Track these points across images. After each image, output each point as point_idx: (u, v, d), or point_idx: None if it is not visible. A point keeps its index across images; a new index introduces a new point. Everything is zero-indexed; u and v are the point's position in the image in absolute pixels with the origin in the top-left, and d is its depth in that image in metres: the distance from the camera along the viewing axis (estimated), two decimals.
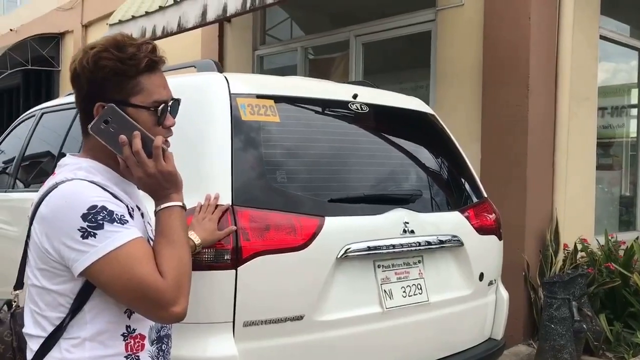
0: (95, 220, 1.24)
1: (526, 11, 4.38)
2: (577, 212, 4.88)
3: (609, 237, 4.92)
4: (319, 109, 2.62)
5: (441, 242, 2.63)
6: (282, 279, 2.17)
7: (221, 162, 2.18)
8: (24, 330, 1.39)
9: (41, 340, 1.32)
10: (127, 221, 1.29)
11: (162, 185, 1.35)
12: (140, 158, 1.32)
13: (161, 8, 5.83)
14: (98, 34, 9.40)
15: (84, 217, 1.24)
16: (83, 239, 1.23)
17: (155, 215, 1.36)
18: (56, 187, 1.30)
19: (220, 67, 2.59)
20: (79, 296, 1.30)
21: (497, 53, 4.55)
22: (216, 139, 2.23)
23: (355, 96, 2.69)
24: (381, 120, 2.81)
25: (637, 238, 5.14)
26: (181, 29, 5.69)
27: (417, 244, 2.53)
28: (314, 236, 2.21)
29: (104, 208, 1.26)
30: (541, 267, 4.45)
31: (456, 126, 4.80)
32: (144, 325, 1.38)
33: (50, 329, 1.31)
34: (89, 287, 1.30)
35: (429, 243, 2.58)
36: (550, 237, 4.52)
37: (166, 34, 5.79)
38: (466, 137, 4.69)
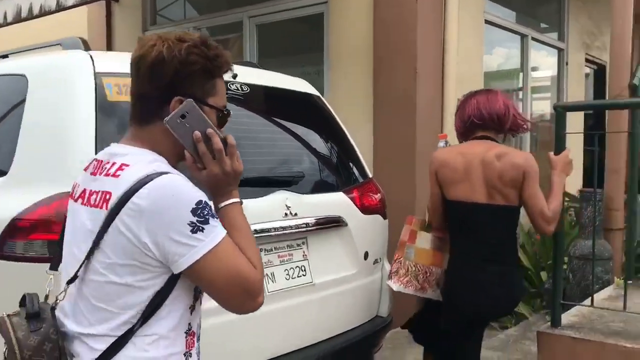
0: (203, 215, 1.25)
1: None
2: None
3: None
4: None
5: (324, 223, 2.63)
6: None
7: (84, 147, 2.04)
8: (81, 330, 1.31)
9: (111, 340, 1.28)
10: (216, 215, 1.31)
11: (230, 182, 1.36)
12: (222, 156, 1.33)
13: None
14: None
15: (194, 211, 1.24)
16: (192, 233, 1.24)
17: (219, 211, 1.36)
18: (150, 180, 1.25)
19: (88, 44, 2.43)
20: (162, 291, 1.29)
21: (386, 35, 4.60)
22: (79, 122, 2.09)
23: (235, 76, 2.54)
24: (263, 101, 2.75)
25: None
26: (60, 8, 5.35)
27: (300, 226, 2.51)
28: None
29: (207, 203, 1.27)
30: None
31: (350, 109, 4.84)
32: (195, 322, 1.39)
33: (125, 327, 1.28)
34: (172, 282, 1.29)
35: (312, 224, 2.56)
36: None
37: (44, 13, 5.42)
38: (359, 120, 4.73)
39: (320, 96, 3.09)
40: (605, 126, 4.14)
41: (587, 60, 7.53)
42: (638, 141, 3.53)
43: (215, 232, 1.26)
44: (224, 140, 1.35)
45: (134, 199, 1.24)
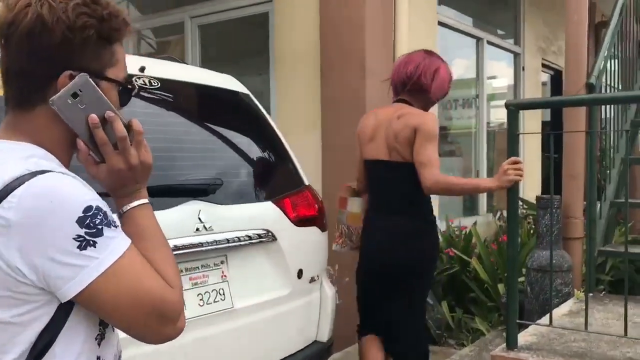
0: (93, 225, 0.97)
1: None
2: None
3: (449, 223, 4.90)
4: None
5: (248, 238, 2.29)
6: None
7: None
8: None
9: None
10: (117, 223, 1.05)
11: (136, 179, 1.11)
12: (126, 145, 1.07)
13: None
14: None
15: (80, 222, 0.96)
16: (81, 250, 0.96)
17: (123, 215, 1.10)
18: (21, 183, 0.95)
19: None
20: (52, 324, 1.00)
21: (333, 35, 4.34)
22: None
23: (142, 69, 2.25)
24: (178, 99, 2.41)
25: (474, 223, 5.19)
26: None
27: (216, 242, 2.16)
28: None
29: (99, 209, 0.99)
30: None
31: (297, 113, 4.55)
32: (110, 353, 1.11)
33: None
34: (65, 310, 1.01)
35: (232, 240, 2.22)
36: None
37: None
38: (307, 124, 4.47)
39: (250, 94, 2.76)
40: (563, 129, 3.91)
41: (543, 65, 7.41)
42: (596, 143, 3.30)
43: (113, 245, 0.99)
44: (128, 126, 1.08)
45: None
